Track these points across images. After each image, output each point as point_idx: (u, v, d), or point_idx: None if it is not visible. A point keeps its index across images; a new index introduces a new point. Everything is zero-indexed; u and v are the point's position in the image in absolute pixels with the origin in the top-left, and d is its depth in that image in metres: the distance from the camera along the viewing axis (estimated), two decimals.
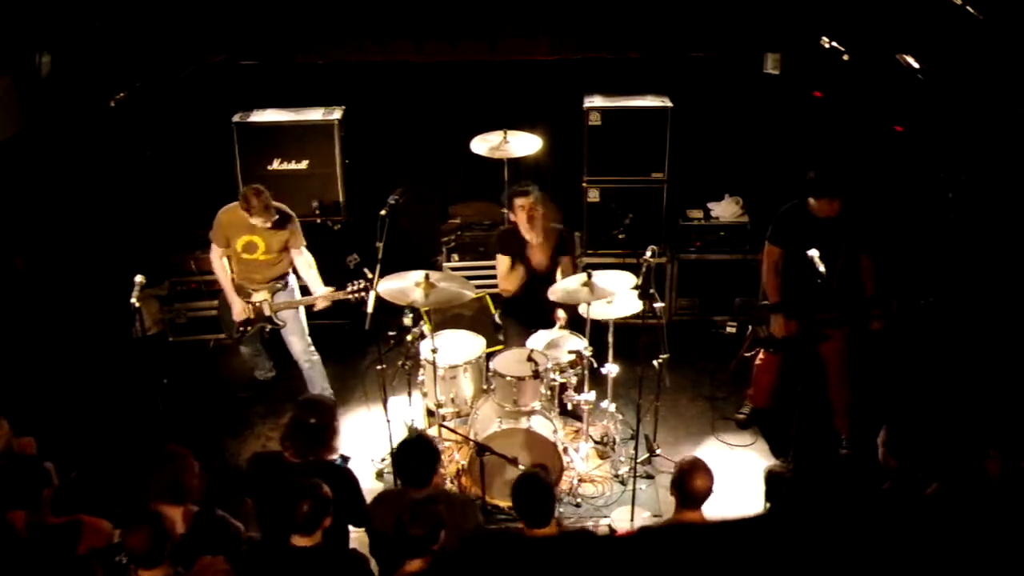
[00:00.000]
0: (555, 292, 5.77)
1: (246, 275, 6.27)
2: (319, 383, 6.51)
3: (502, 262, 6.49)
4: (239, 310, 6.25)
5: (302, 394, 5.94)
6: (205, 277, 7.33)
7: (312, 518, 3.98)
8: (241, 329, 6.35)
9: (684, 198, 7.62)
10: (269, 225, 6.05)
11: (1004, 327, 5.58)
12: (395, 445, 4.64)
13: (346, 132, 7.36)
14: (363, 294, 5.84)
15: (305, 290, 6.40)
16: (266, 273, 6.27)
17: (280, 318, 6.30)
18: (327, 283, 6.34)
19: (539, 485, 4.24)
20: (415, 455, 4.49)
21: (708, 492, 4.27)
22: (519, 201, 6.26)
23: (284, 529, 4.04)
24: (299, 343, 6.40)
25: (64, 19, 5.92)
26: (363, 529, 4.62)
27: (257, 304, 6.24)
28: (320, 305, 6.21)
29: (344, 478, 4.59)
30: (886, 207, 6.58)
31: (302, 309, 6.38)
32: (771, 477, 4.34)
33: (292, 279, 6.41)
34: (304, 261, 6.29)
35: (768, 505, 4.32)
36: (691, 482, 4.25)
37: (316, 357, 6.48)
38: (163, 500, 4.19)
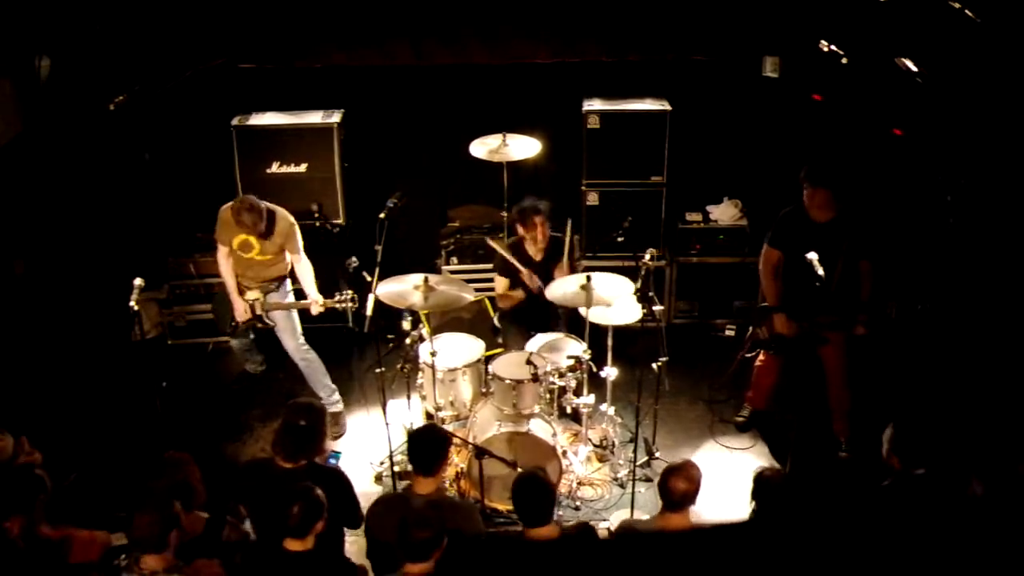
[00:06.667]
0: (553, 293, 5.77)
1: (241, 271, 6.33)
2: (317, 380, 6.53)
3: (500, 283, 6.51)
4: (240, 310, 6.31)
5: (296, 396, 5.96)
6: (204, 280, 7.35)
7: (304, 521, 3.97)
8: (233, 324, 6.42)
9: (683, 201, 7.62)
10: (256, 235, 6.12)
11: (1003, 330, 5.58)
12: (408, 432, 4.68)
13: (345, 135, 7.37)
14: (351, 304, 5.89)
15: (300, 293, 6.43)
16: (260, 272, 6.30)
17: (271, 318, 6.34)
18: (324, 285, 6.35)
19: (538, 484, 4.25)
20: (426, 441, 4.57)
21: (687, 496, 4.30)
22: (539, 218, 6.24)
23: (277, 533, 4.04)
24: (291, 342, 6.44)
25: (63, 23, 5.92)
26: (361, 533, 4.62)
27: (249, 302, 6.28)
28: (315, 310, 6.23)
29: (337, 480, 4.59)
30: (885, 210, 6.58)
31: (294, 310, 6.41)
32: (760, 480, 4.35)
33: (288, 283, 6.46)
34: (301, 268, 6.32)
35: (754, 505, 4.33)
36: (670, 485, 4.30)
37: (312, 355, 6.50)
38: None
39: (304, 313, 6.40)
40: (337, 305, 6.00)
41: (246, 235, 6.14)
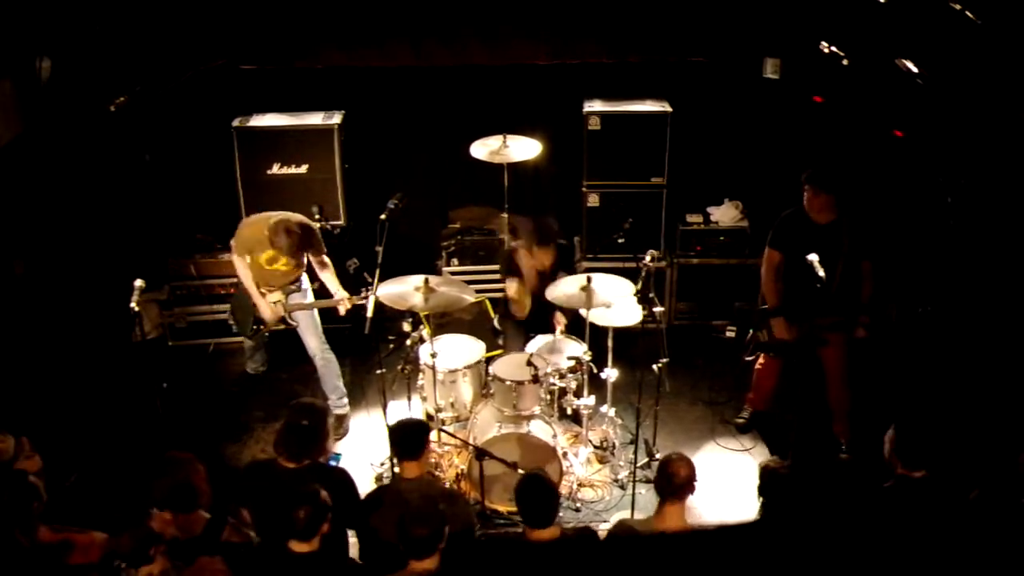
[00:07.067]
0: (554, 295, 5.76)
1: (263, 280, 6.28)
2: (330, 381, 6.54)
3: (512, 286, 6.46)
4: (267, 313, 6.25)
5: (298, 396, 5.95)
6: (204, 281, 7.35)
7: (310, 524, 3.97)
8: (255, 328, 6.40)
9: (684, 203, 7.62)
10: (289, 255, 6.09)
11: (1004, 332, 5.58)
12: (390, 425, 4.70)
13: (346, 136, 7.36)
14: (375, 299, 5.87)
15: (321, 291, 6.42)
16: (281, 280, 6.30)
17: (294, 318, 6.33)
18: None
19: (542, 486, 4.25)
20: (407, 428, 4.58)
21: (688, 481, 4.32)
22: (544, 251, 6.19)
23: (282, 535, 4.04)
24: (314, 341, 6.44)
25: (64, 23, 5.92)
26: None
27: (272, 304, 6.26)
28: (342, 310, 6.21)
29: (341, 481, 4.59)
30: (886, 212, 6.58)
31: (315, 309, 6.41)
32: (766, 473, 4.36)
33: (305, 279, 6.45)
34: (326, 268, 6.31)
35: (762, 501, 4.33)
36: (671, 470, 4.31)
37: (331, 355, 6.51)
38: (169, 509, 4.18)
39: (323, 312, 6.41)
40: (363, 302, 5.96)
41: (275, 251, 6.08)
